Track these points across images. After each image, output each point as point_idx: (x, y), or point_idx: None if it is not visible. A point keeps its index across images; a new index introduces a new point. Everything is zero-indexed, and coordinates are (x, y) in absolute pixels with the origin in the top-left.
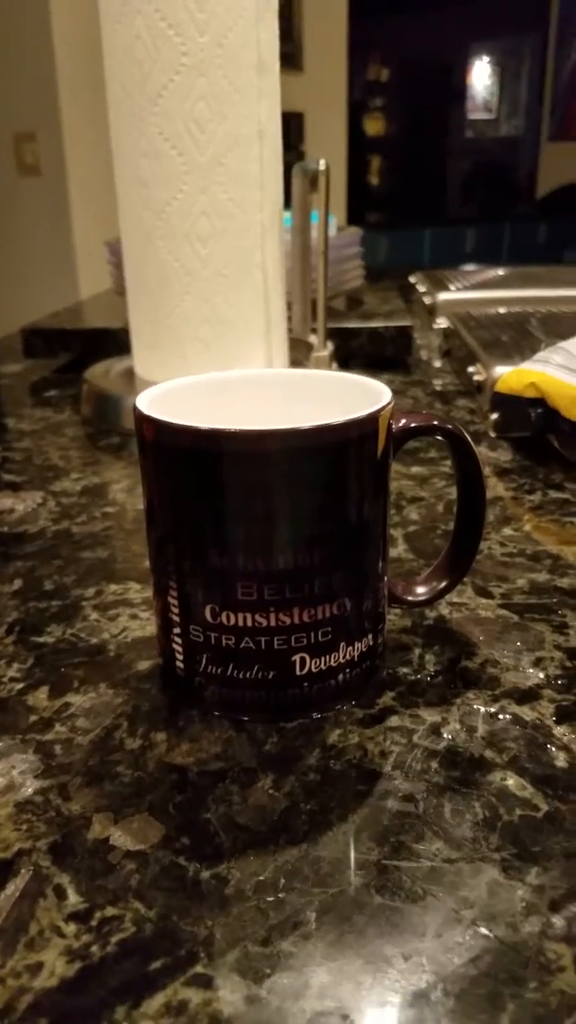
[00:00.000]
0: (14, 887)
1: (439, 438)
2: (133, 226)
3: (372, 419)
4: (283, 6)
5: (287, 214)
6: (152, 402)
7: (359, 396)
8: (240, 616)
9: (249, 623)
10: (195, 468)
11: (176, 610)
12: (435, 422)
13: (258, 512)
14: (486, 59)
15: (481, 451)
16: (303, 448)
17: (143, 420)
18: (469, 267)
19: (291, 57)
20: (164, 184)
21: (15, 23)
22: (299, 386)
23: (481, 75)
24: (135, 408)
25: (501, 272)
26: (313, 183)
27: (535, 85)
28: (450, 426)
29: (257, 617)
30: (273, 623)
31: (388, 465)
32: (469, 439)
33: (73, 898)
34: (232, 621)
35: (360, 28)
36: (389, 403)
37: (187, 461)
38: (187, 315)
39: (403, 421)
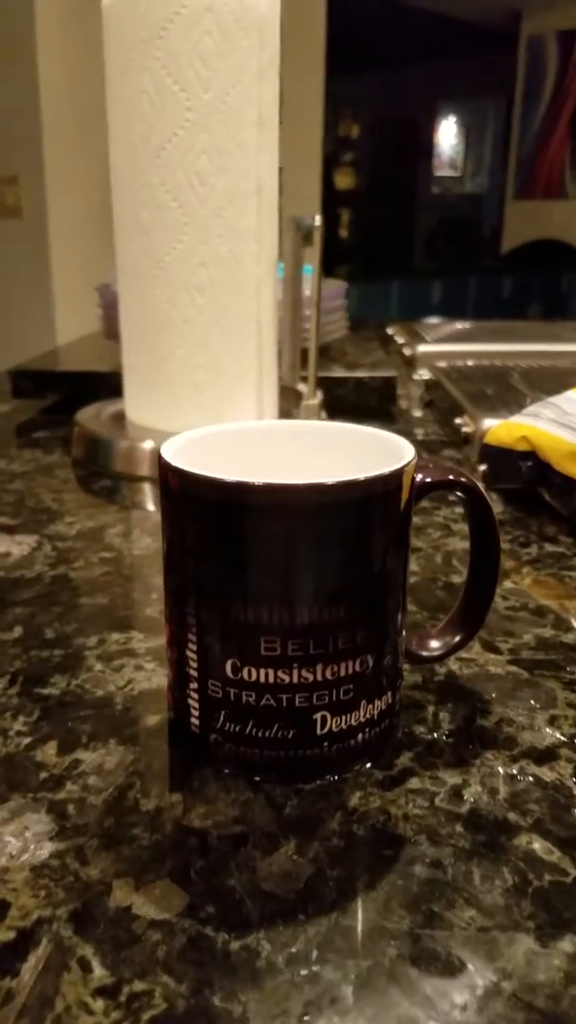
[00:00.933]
0: (36, 959)
1: (458, 493)
2: (131, 273)
3: (397, 475)
4: None
5: (279, 265)
6: (177, 452)
7: (381, 450)
8: (262, 672)
9: (271, 679)
10: (220, 520)
11: (194, 664)
12: (452, 477)
13: (284, 566)
14: (452, 119)
15: None
16: (329, 503)
17: (168, 470)
18: (434, 319)
19: None
20: (164, 234)
21: (1, 69)
22: (322, 439)
23: (447, 134)
24: (160, 457)
25: (468, 325)
26: (306, 237)
27: (499, 145)
28: (466, 480)
29: (280, 673)
30: (295, 680)
31: (410, 519)
32: (485, 494)
33: (99, 971)
34: (253, 677)
35: (333, 85)
36: (413, 459)
37: (212, 513)
38: (182, 361)
39: (420, 476)
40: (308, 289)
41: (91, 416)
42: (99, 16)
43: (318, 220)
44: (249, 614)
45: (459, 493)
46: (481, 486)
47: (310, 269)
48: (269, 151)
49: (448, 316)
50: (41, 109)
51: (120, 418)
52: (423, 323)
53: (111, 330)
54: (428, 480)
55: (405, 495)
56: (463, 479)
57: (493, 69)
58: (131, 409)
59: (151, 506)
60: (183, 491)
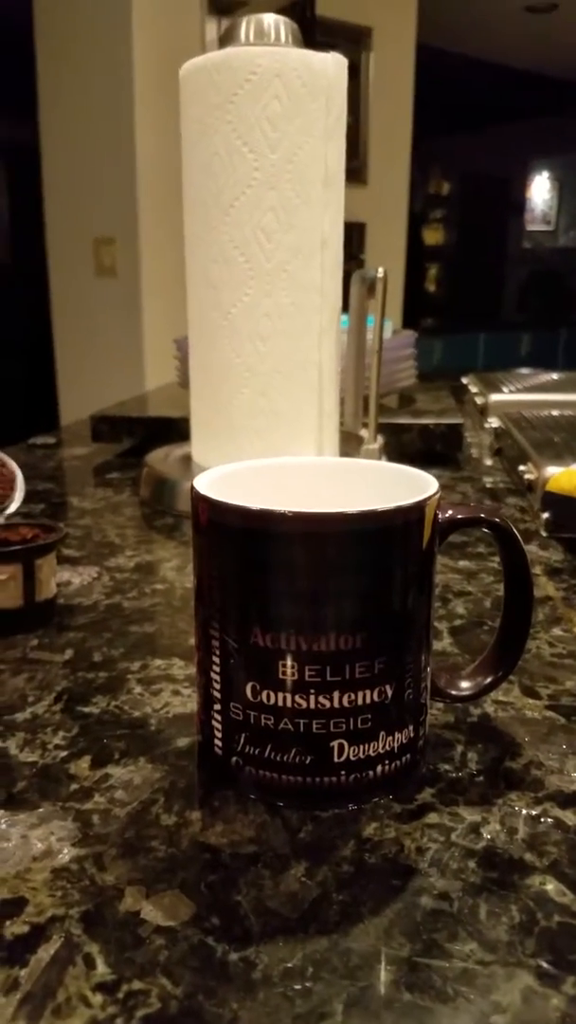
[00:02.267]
0: (45, 952)
1: (486, 531)
2: (200, 324)
3: (418, 508)
4: (352, 126)
5: (345, 316)
6: (209, 484)
7: (408, 486)
8: (280, 696)
9: (289, 703)
10: (244, 546)
11: (217, 686)
12: (481, 514)
13: (303, 592)
14: (545, 174)
15: (531, 550)
16: (350, 532)
17: (199, 499)
18: (524, 370)
19: (357, 172)
20: (231, 288)
21: (103, 141)
22: (351, 474)
23: (540, 189)
24: (192, 488)
25: (556, 376)
26: (371, 289)
27: None
28: (497, 519)
29: (297, 698)
30: (313, 705)
31: (433, 554)
32: (516, 532)
33: (102, 968)
34: (272, 700)
35: (423, 144)
36: (435, 493)
37: (237, 540)
38: (244, 407)
39: (449, 512)
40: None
41: (159, 458)
42: None
43: (380, 272)
44: (268, 639)
45: (488, 531)
46: (512, 526)
47: (373, 319)
48: (334, 208)
49: (536, 368)
50: (137, 178)
51: (187, 460)
52: (508, 373)
53: (185, 379)
54: (458, 517)
55: (428, 529)
56: (493, 518)
57: None
58: (197, 452)
59: None
60: (211, 519)
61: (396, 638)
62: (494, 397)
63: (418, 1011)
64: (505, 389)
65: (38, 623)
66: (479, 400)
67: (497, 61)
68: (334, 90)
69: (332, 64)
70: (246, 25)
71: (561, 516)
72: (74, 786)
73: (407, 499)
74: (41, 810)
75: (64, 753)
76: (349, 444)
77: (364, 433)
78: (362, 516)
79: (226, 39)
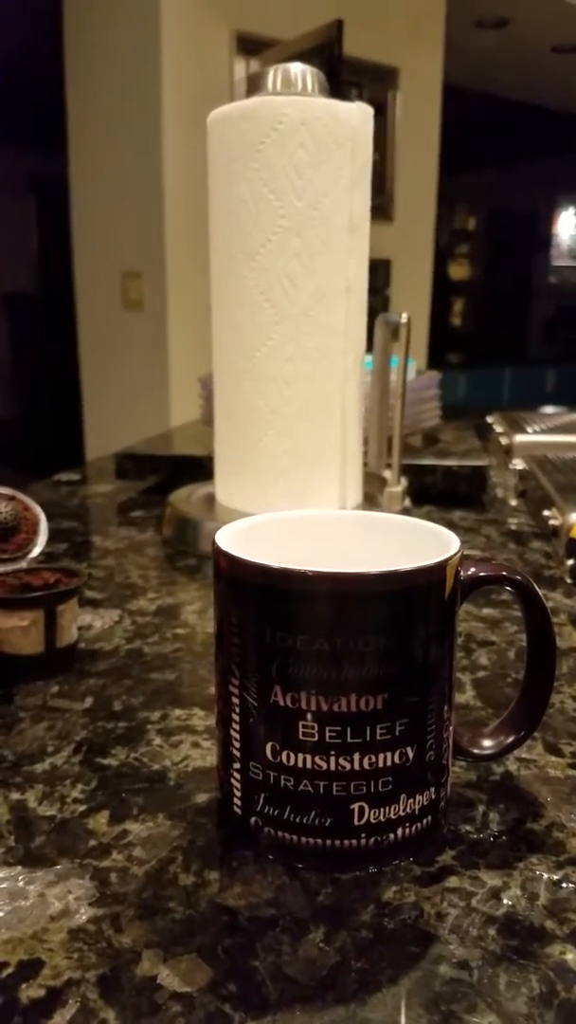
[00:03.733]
0: (61, 1018)
1: (509, 589)
2: (225, 366)
3: (440, 567)
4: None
5: (369, 358)
6: (231, 537)
7: (430, 542)
8: (300, 757)
9: (309, 764)
10: (264, 604)
11: (237, 744)
12: (504, 573)
13: (323, 652)
14: (572, 210)
15: (556, 597)
16: (371, 592)
17: (219, 554)
18: (549, 409)
19: (383, 209)
20: (256, 332)
21: (131, 176)
22: (373, 529)
23: (567, 224)
24: (214, 542)
25: (567, 415)
26: (395, 333)
27: None
28: (519, 577)
29: (317, 760)
30: (333, 767)
31: (455, 613)
32: (538, 591)
33: None
34: (292, 761)
35: (450, 180)
36: (457, 552)
37: (257, 597)
38: (268, 449)
39: (472, 570)
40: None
41: (183, 498)
42: None
43: (404, 317)
44: (288, 698)
45: (510, 589)
46: (533, 583)
47: (396, 361)
48: (358, 254)
49: (563, 406)
50: (165, 212)
51: (210, 500)
52: (534, 412)
53: (209, 417)
54: (481, 575)
55: (449, 588)
56: (515, 576)
57: None
58: (221, 492)
59: None
60: (231, 574)
61: (418, 699)
62: (519, 438)
63: None
64: (530, 429)
65: (59, 669)
66: (504, 440)
67: (523, 99)
68: (360, 138)
69: (358, 113)
70: (273, 74)
71: None
72: (92, 842)
73: (429, 556)
74: (59, 867)
75: (83, 807)
76: (372, 485)
77: (387, 474)
78: (383, 577)
79: (253, 87)
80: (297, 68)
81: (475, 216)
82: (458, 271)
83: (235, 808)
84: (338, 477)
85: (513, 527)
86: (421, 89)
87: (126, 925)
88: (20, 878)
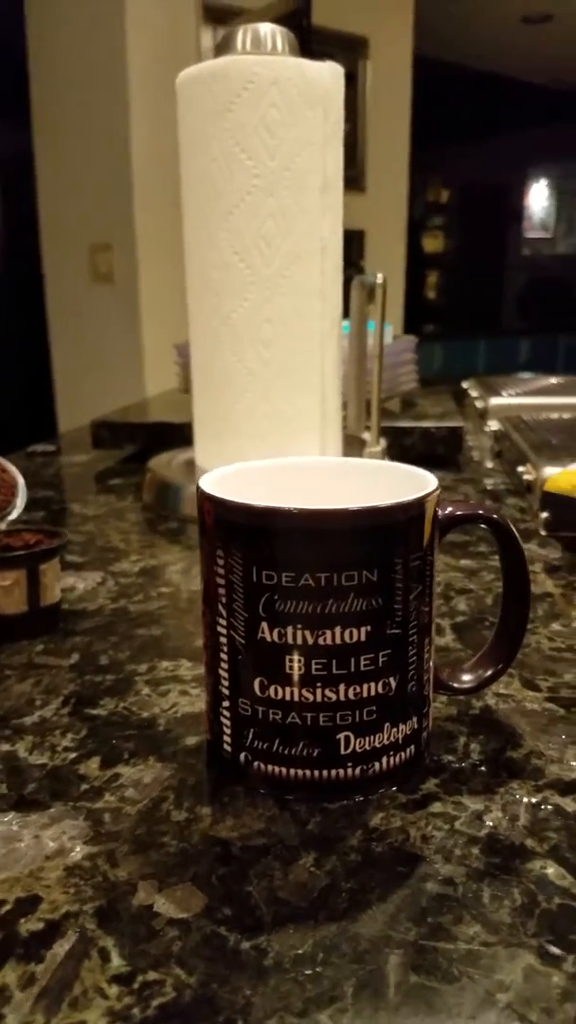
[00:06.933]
0: (60, 947)
1: (484, 527)
2: (201, 330)
3: (419, 503)
4: (349, 133)
5: (346, 322)
6: (214, 483)
7: (408, 484)
8: (287, 690)
9: (296, 697)
10: (249, 543)
11: (226, 683)
12: (480, 511)
13: (307, 588)
14: (544, 182)
15: (531, 548)
16: (354, 528)
17: (204, 498)
18: (524, 375)
19: (355, 180)
20: (232, 293)
21: (98, 147)
22: (352, 473)
23: (539, 197)
24: (198, 488)
25: (554, 380)
26: (371, 295)
27: None
28: (495, 516)
29: (304, 692)
30: (319, 698)
31: (434, 549)
32: (512, 527)
33: (116, 961)
34: (280, 695)
35: (422, 153)
36: (435, 490)
37: (242, 536)
38: (248, 411)
39: (449, 509)
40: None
41: (163, 463)
42: None
43: (380, 278)
44: (275, 634)
45: (486, 527)
46: (510, 522)
47: (373, 324)
48: (332, 214)
49: (536, 373)
50: (133, 183)
51: (190, 465)
52: (509, 377)
53: (186, 384)
54: (458, 513)
55: (428, 525)
56: (491, 515)
57: None
58: (200, 457)
59: None
60: (217, 517)
61: (399, 631)
62: (494, 401)
63: (424, 991)
64: (505, 393)
65: (43, 628)
66: (479, 404)
67: (494, 71)
68: (331, 98)
69: (328, 73)
70: (243, 34)
71: (559, 515)
72: (84, 786)
73: (408, 496)
74: (52, 810)
75: (73, 755)
76: (352, 447)
77: (367, 436)
78: (366, 512)
79: (222, 48)
80: (266, 28)
81: (448, 189)
82: (432, 244)
83: (225, 746)
84: (318, 439)
85: (489, 486)
86: (391, 59)
87: (121, 860)
88: (14, 822)
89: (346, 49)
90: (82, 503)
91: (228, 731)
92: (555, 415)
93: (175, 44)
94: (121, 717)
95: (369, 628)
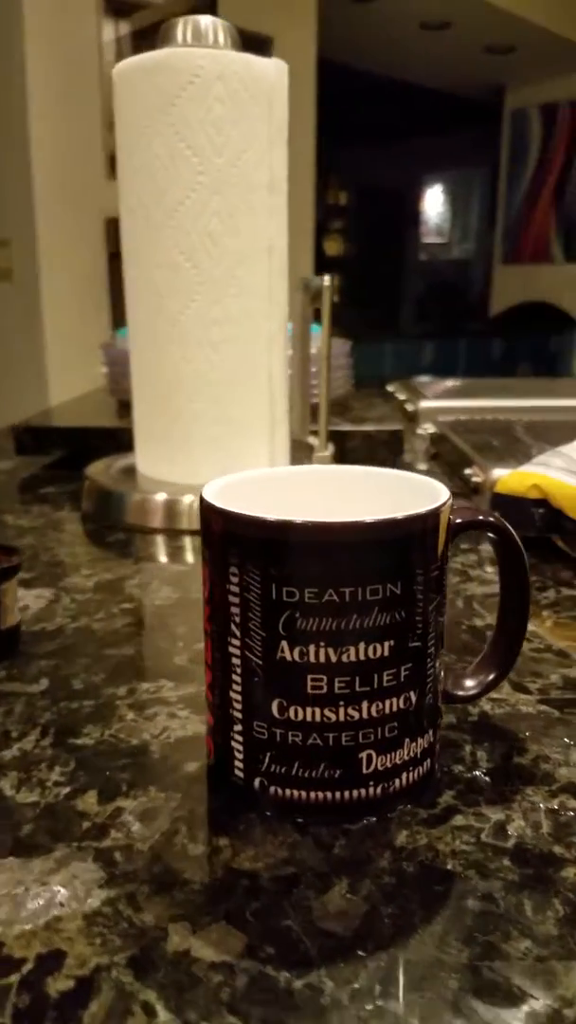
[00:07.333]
0: (98, 1006)
1: (489, 534)
2: (144, 332)
3: (435, 514)
4: None
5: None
6: (217, 495)
7: (414, 493)
8: (308, 711)
9: (317, 718)
10: (264, 559)
11: (239, 706)
12: (486, 518)
13: (331, 603)
14: (439, 188)
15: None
16: (372, 540)
17: (211, 511)
18: (450, 382)
19: None
20: (178, 294)
21: None
22: (356, 482)
23: (435, 203)
24: (202, 500)
25: (462, 382)
26: (315, 297)
27: (486, 213)
28: (498, 521)
29: (327, 712)
30: (342, 718)
31: (447, 558)
32: (515, 535)
33: (164, 1015)
34: (300, 716)
35: (323, 155)
36: (448, 499)
37: (256, 552)
38: (197, 415)
39: (454, 518)
40: (315, 347)
41: (101, 470)
42: (90, 83)
43: (327, 280)
44: (295, 653)
45: (490, 534)
46: (510, 527)
47: (318, 327)
48: (279, 213)
49: (441, 376)
50: (33, 175)
51: (130, 472)
52: (421, 381)
53: (116, 387)
54: (461, 521)
55: (443, 534)
56: (494, 520)
57: (478, 140)
58: (143, 463)
59: (164, 558)
60: (226, 532)
61: (419, 644)
62: (424, 404)
63: (491, 1016)
64: (428, 395)
65: (4, 653)
66: (409, 407)
67: (394, 76)
68: (276, 95)
69: (273, 69)
70: (183, 26)
71: (509, 516)
72: (86, 824)
73: (419, 506)
74: (57, 853)
75: (66, 790)
76: (300, 451)
77: (313, 440)
78: (385, 524)
79: (163, 40)
80: (207, 20)
81: (347, 192)
82: (333, 247)
83: (236, 771)
84: (267, 444)
85: None
86: (296, 60)
87: (144, 903)
88: (15, 869)
89: (251, 48)
90: (14, 514)
91: (240, 756)
92: (486, 417)
93: (76, 37)
94: (109, 746)
95: (392, 642)
